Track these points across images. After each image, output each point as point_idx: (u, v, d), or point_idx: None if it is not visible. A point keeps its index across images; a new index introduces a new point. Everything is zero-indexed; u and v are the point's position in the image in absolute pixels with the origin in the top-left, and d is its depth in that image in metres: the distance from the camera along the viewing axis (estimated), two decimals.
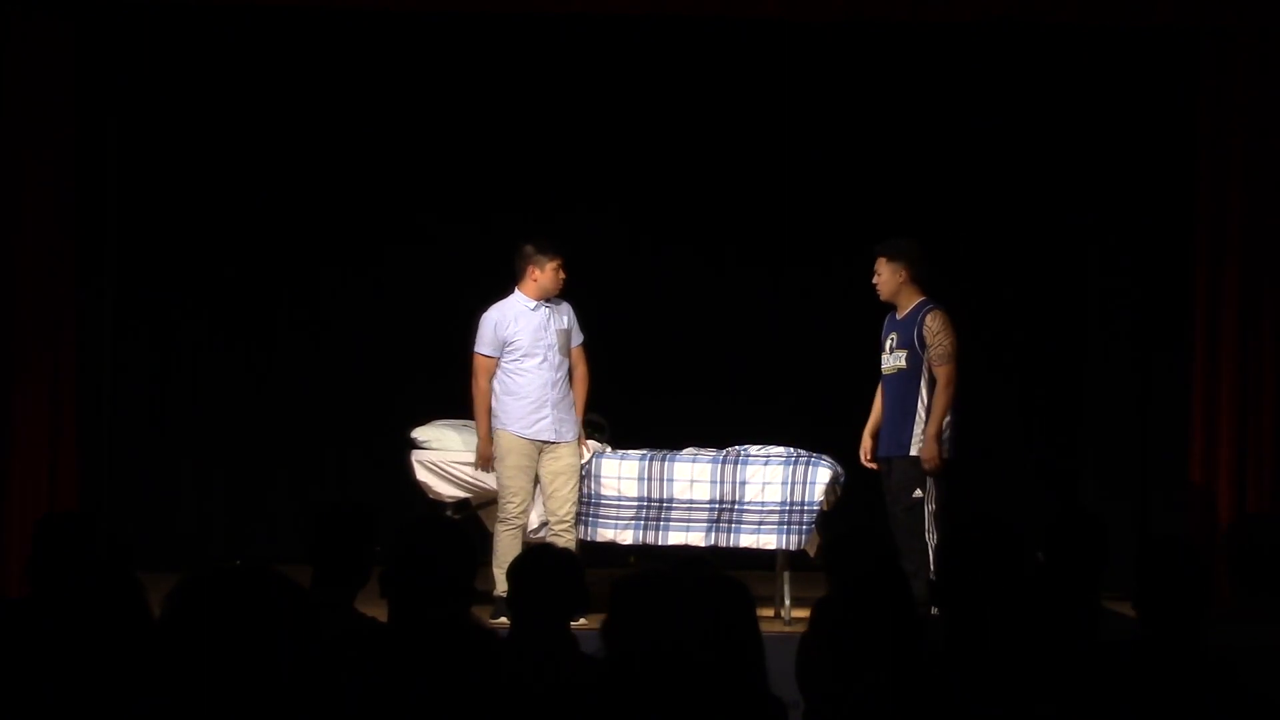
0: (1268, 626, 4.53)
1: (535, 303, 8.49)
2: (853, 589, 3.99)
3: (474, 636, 2.64)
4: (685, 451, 8.66)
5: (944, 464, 8.15)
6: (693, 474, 8.54)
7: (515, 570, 4.48)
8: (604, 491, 8.64)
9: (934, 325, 8.19)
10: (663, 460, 8.60)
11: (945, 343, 8.17)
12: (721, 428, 9.05)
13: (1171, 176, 9.03)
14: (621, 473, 8.64)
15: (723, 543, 8.49)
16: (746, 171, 10.26)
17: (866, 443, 8.43)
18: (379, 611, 4.56)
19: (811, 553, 8.39)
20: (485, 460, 8.42)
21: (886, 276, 8.34)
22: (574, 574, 4.42)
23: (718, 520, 8.52)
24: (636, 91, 10.02)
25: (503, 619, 7.80)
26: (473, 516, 8.68)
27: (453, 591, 4.27)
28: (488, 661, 2.62)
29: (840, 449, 8.89)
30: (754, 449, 8.65)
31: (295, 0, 8.86)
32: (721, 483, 8.51)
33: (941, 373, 8.16)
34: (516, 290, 8.52)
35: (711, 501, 8.51)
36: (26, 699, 3.02)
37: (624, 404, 9.31)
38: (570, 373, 8.55)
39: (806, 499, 8.48)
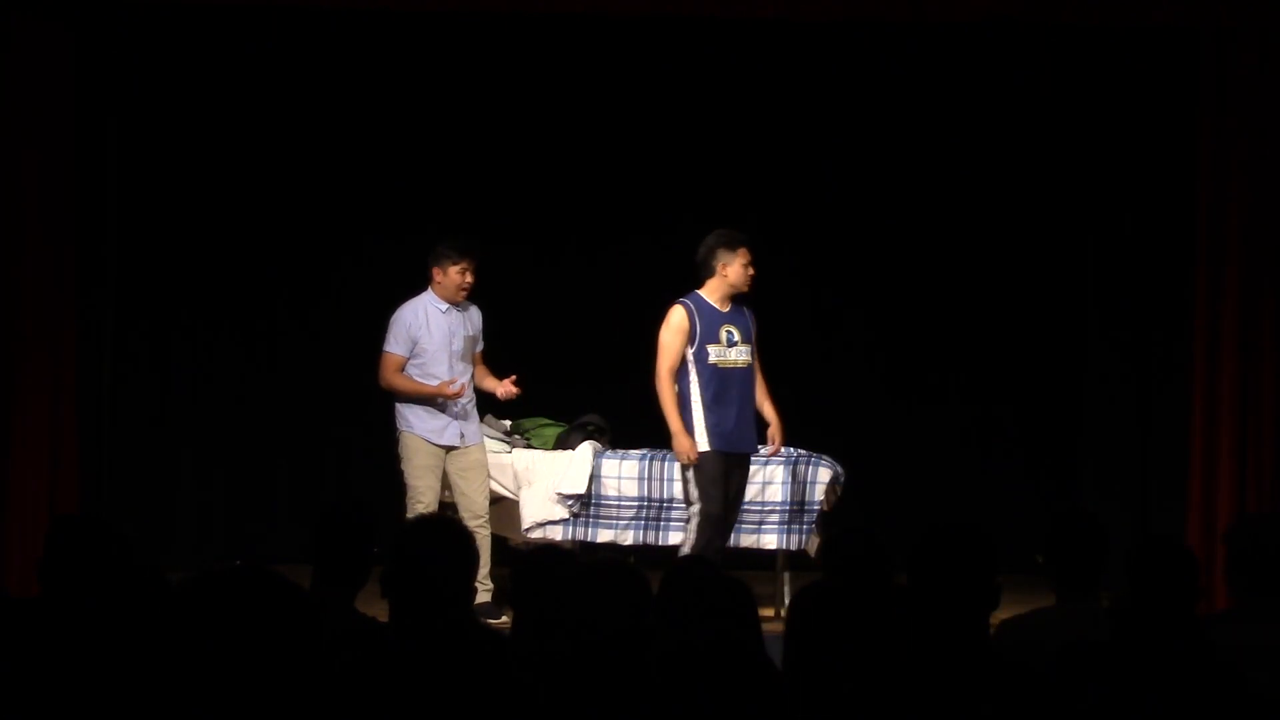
0: (1268, 626, 4.53)
1: (446, 305, 8.41)
2: (838, 581, 3.99)
3: (475, 636, 2.64)
4: None
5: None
6: None
7: (517, 571, 4.49)
8: (604, 492, 8.63)
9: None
10: (663, 460, 8.59)
11: None
12: None
13: (1172, 176, 9.03)
14: (621, 473, 8.64)
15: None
16: (746, 170, 10.25)
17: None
18: (379, 611, 4.56)
19: (812, 553, 8.39)
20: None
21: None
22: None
23: None
24: (636, 90, 10.00)
25: (490, 618, 7.82)
26: None
27: (453, 591, 4.27)
28: (488, 661, 2.62)
29: (840, 449, 8.89)
30: None
31: (295, 1, 8.86)
32: None
33: None
34: (429, 289, 8.46)
35: None
36: (35, 696, 3.03)
37: (623, 405, 9.29)
38: (474, 377, 8.47)
39: (807, 499, 8.48)
